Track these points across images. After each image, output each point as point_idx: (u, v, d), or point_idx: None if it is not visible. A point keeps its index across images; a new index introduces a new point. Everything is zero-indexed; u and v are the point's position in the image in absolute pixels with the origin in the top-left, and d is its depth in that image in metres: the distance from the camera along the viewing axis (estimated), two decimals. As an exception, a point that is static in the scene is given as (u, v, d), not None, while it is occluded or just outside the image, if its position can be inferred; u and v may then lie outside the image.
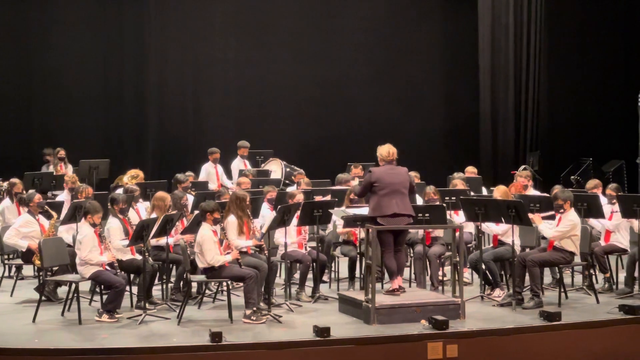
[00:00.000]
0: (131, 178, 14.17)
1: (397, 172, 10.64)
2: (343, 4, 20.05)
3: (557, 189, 12.27)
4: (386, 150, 10.74)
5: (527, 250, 11.68)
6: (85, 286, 11.06)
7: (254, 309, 10.34)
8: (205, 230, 10.58)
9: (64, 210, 12.21)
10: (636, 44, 18.71)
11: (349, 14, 20.06)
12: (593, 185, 12.86)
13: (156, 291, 11.39)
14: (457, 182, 13.61)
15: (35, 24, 18.60)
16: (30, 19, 18.54)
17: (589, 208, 12.02)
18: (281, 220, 11.12)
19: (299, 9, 19.89)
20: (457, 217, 12.31)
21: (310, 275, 11.66)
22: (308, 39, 19.95)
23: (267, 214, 12.18)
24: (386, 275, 11.32)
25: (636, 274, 11.80)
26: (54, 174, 15.47)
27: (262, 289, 10.67)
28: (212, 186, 15.35)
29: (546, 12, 19.34)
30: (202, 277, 10.73)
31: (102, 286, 10.62)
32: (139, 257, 10.91)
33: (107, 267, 10.57)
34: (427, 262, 11.89)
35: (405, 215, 10.54)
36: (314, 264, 11.64)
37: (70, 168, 15.89)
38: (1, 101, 18.36)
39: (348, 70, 20.03)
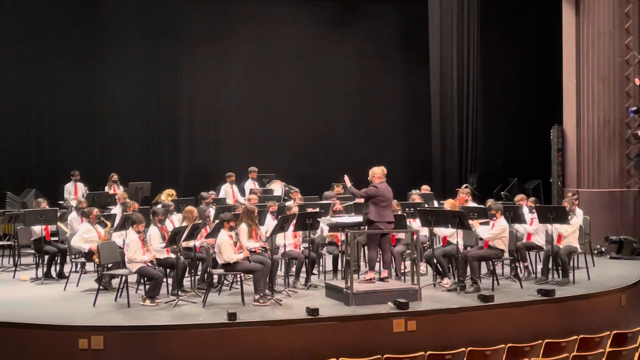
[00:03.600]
0: (167, 196, 14.10)
1: (389, 190, 10.83)
2: (328, 64, 20.06)
3: (490, 201, 12.29)
4: (380, 170, 10.86)
5: (468, 248, 11.68)
6: (132, 278, 11.00)
7: (262, 294, 10.32)
8: (223, 235, 10.56)
9: (117, 221, 12.19)
10: (548, 97, 18.82)
11: (332, 72, 20.08)
12: (520, 198, 12.93)
13: (186, 282, 11.34)
14: (415, 197, 13.64)
15: (97, 79, 18.54)
16: (93, 76, 18.48)
17: (515, 216, 12.07)
18: (281, 227, 11.11)
19: (294, 67, 19.89)
20: (415, 223, 12.33)
21: (303, 269, 11.63)
22: (301, 90, 19.93)
23: (270, 222, 12.17)
24: (362, 269, 11.30)
25: (550, 266, 11.82)
26: (109, 193, 15.41)
27: (267, 280, 10.65)
28: (229, 202, 15.30)
29: (481, 71, 19.38)
30: (221, 271, 10.70)
31: (145, 278, 10.60)
32: (173, 256, 10.89)
33: (149, 264, 10.55)
34: (393, 258, 11.89)
35: (393, 222, 10.82)
36: (307, 260, 11.62)
37: (121, 188, 15.81)
38: (73, 139, 18.33)
39: (331, 114, 20.01)
